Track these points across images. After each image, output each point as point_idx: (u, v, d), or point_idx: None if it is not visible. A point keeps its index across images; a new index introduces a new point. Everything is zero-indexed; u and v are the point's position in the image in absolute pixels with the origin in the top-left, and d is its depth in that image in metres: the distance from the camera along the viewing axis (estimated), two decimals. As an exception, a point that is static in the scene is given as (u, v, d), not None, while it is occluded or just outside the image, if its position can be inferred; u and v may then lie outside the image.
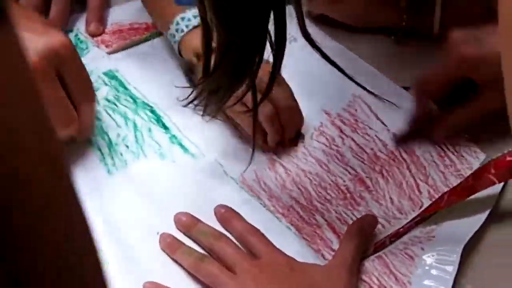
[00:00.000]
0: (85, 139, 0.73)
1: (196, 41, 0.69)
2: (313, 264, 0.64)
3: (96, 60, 0.83)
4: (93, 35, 0.85)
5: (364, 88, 0.71)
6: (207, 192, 0.72)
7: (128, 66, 0.83)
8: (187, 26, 0.75)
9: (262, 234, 0.67)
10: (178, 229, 0.68)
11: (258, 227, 0.68)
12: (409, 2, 0.80)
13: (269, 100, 0.69)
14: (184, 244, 0.67)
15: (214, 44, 0.58)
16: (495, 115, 0.64)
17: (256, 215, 0.70)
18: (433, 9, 0.79)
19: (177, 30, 0.75)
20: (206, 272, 0.64)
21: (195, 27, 0.74)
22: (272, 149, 0.74)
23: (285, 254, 0.65)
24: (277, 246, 0.67)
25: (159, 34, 0.85)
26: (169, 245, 0.67)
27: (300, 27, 0.59)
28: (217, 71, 0.58)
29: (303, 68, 0.79)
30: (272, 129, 0.72)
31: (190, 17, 0.75)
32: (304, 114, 0.75)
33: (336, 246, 0.68)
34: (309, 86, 0.78)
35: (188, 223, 0.68)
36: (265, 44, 0.57)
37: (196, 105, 0.71)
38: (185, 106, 0.73)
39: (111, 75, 0.82)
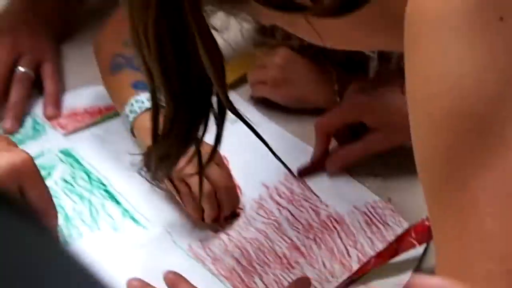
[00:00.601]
0: None
1: (148, 122, 0.76)
2: None
3: (52, 141, 0.90)
4: (49, 118, 0.90)
5: (287, 168, 0.79)
6: (157, 260, 0.78)
7: (82, 145, 0.90)
8: (140, 108, 0.82)
9: None
10: None
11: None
12: (340, 86, 0.90)
13: (208, 180, 0.77)
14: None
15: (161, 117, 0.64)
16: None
17: (202, 279, 0.76)
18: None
19: (131, 111, 0.83)
20: None
21: (148, 109, 0.81)
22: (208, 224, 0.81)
23: None
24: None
25: (112, 116, 0.93)
26: None
27: (225, 102, 0.64)
28: (166, 138, 0.64)
29: (245, 146, 0.87)
30: (209, 206, 0.79)
31: (143, 99, 0.82)
32: (244, 186, 0.82)
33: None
34: (250, 161, 0.86)
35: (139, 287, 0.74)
36: (208, 115, 0.64)
37: (145, 172, 0.74)
38: (137, 171, 0.76)
39: (66, 153, 0.89)
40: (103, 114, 0.94)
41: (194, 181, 0.75)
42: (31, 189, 0.68)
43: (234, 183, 0.81)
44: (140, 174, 0.76)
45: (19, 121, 0.81)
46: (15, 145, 0.72)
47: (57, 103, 0.89)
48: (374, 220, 0.84)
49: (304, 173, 0.86)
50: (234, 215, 0.83)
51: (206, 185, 0.76)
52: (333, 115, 0.86)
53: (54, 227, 0.72)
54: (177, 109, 0.61)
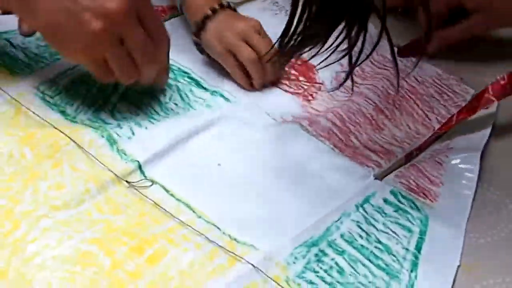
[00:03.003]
0: (165, 83, 0.82)
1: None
2: None
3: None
4: None
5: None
6: (254, 129, 0.81)
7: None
8: None
9: None
10: None
11: (308, 150, 0.79)
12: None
13: (253, 48, 0.83)
14: None
15: None
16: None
17: (303, 140, 0.80)
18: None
19: None
20: None
21: None
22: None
23: None
24: (327, 163, 0.77)
25: (176, 16, 0.96)
26: None
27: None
28: (318, 19, 0.65)
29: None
30: (256, 72, 0.85)
31: None
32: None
33: (376, 158, 0.79)
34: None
35: None
36: None
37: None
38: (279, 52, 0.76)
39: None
40: (167, 13, 0.96)
41: (240, 50, 0.83)
42: (147, 15, 0.73)
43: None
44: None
45: None
46: None
47: None
48: (443, 89, 0.90)
49: (405, 51, 0.94)
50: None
51: (251, 53, 0.84)
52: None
53: (165, 53, 0.77)
54: None
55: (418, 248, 0.70)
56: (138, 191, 0.71)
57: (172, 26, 0.95)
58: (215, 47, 0.85)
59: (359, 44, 0.66)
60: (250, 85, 0.86)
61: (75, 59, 0.75)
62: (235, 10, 0.88)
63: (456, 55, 0.96)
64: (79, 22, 0.69)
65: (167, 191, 0.72)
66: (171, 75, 0.87)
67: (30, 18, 0.73)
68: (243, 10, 0.93)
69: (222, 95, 0.85)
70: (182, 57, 0.90)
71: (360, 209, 0.73)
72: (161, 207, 0.70)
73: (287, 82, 0.89)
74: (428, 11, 0.69)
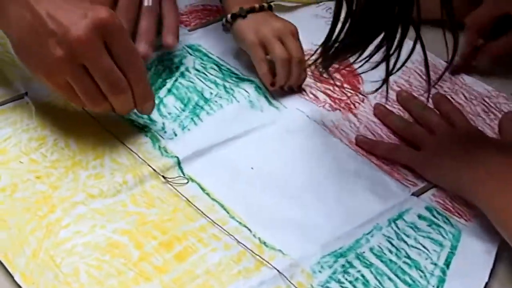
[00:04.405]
0: (150, 111, 0.77)
1: None
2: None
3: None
4: (168, 47, 0.86)
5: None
6: (294, 133, 0.82)
7: (208, 41, 0.94)
8: None
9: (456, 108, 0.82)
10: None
11: (345, 160, 0.79)
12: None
13: (286, 48, 0.84)
14: (393, 112, 0.84)
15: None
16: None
17: (341, 151, 0.80)
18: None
19: None
20: (411, 132, 0.80)
21: None
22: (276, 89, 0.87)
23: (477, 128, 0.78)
24: (364, 176, 0.77)
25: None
26: (381, 112, 0.84)
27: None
28: (358, 28, 0.65)
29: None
30: (283, 71, 0.85)
31: None
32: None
33: (412, 179, 0.78)
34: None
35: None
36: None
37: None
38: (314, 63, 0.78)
39: (194, 48, 0.93)
40: (221, 13, 0.97)
41: (274, 46, 0.84)
42: (118, 44, 0.69)
43: (304, 58, 0.86)
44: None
45: (152, 46, 0.83)
46: (97, 3, 0.71)
47: (176, 34, 0.87)
48: (491, 108, 0.89)
49: (458, 70, 0.93)
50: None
51: (284, 52, 0.84)
52: (481, 10, 0.91)
53: (141, 81, 0.73)
54: None
55: (447, 263, 0.69)
56: (174, 187, 0.72)
57: (216, 31, 0.96)
58: (248, 36, 0.86)
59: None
60: (271, 84, 0.86)
61: (40, 80, 0.71)
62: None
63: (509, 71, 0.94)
64: (43, 46, 0.67)
65: (203, 189, 0.73)
66: (219, 74, 0.88)
67: (4, 26, 0.71)
68: (296, 15, 0.93)
69: (265, 96, 0.86)
70: (232, 57, 0.91)
71: (393, 224, 0.72)
72: (194, 205, 0.71)
73: (331, 87, 0.89)
74: (453, 22, 0.67)
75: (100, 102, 0.72)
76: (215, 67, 0.90)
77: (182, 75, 0.88)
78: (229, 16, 0.88)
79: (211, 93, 0.86)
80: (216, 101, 0.84)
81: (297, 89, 0.88)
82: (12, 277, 0.62)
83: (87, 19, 0.67)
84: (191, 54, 0.91)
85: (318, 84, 0.90)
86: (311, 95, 0.88)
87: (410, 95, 0.88)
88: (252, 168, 0.77)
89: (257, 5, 0.88)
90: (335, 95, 0.88)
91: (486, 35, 0.92)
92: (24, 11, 0.68)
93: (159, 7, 0.86)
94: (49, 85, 0.71)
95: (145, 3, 0.85)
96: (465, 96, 0.91)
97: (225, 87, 0.87)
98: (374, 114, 0.86)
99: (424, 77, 0.92)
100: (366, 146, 0.81)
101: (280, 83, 0.86)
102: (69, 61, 0.68)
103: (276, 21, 0.87)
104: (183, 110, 0.83)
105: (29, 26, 0.68)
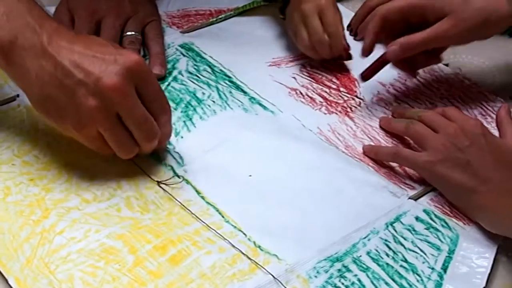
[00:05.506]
0: (164, 149, 0.76)
1: None
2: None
3: (171, 36, 0.93)
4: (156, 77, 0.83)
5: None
6: (289, 140, 0.81)
7: (201, 41, 0.93)
8: None
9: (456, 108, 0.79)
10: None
11: (342, 165, 0.78)
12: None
13: (325, 19, 0.86)
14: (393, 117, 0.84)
15: None
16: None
17: (337, 157, 0.79)
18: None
19: None
20: (414, 131, 0.77)
21: None
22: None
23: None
24: (361, 180, 0.76)
25: (223, 18, 0.97)
26: (385, 122, 0.83)
27: None
28: None
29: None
30: (321, 45, 0.88)
31: None
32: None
33: (410, 182, 0.77)
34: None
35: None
36: None
37: None
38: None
39: (187, 47, 0.92)
40: (214, 16, 0.97)
41: (311, 21, 0.85)
42: (147, 89, 0.67)
43: (342, 31, 0.88)
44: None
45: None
46: (121, 47, 0.71)
47: (164, 62, 0.87)
48: (488, 111, 0.88)
49: (368, 75, 0.86)
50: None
51: (321, 27, 0.86)
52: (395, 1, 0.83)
53: (168, 121, 0.72)
54: None
55: (445, 267, 0.69)
56: (168, 192, 0.71)
57: (219, 30, 0.96)
58: (293, 18, 0.89)
59: None
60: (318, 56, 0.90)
61: (69, 134, 0.69)
62: None
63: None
64: (71, 97, 0.64)
65: (198, 192, 0.72)
66: (212, 76, 0.87)
67: (23, 82, 0.67)
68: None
69: (260, 104, 0.85)
70: (227, 59, 0.91)
71: (390, 228, 0.72)
72: (188, 209, 0.70)
73: (327, 90, 0.88)
74: None
75: (132, 149, 0.70)
76: (208, 68, 0.89)
77: (175, 79, 0.87)
78: (280, 15, 0.94)
79: (203, 93, 0.85)
80: (209, 106, 0.83)
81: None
82: (6, 281, 0.62)
83: (117, 65, 0.65)
84: (184, 55, 0.91)
85: (314, 85, 0.89)
86: (307, 97, 0.87)
87: (402, 110, 0.85)
88: (250, 175, 0.75)
89: None
90: (331, 98, 0.87)
91: (395, 30, 0.84)
92: (44, 63, 0.65)
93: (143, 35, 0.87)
94: (78, 137, 0.68)
95: (127, 33, 0.86)
96: (462, 99, 0.90)
97: (218, 89, 0.86)
98: (380, 126, 0.84)
99: (421, 80, 0.92)
100: (371, 154, 0.80)
101: (323, 56, 0.90)
102: (103, 111, 0.65)
103: None
104: (175, 109, 0.82)
105: (53, 79, 0.65)
